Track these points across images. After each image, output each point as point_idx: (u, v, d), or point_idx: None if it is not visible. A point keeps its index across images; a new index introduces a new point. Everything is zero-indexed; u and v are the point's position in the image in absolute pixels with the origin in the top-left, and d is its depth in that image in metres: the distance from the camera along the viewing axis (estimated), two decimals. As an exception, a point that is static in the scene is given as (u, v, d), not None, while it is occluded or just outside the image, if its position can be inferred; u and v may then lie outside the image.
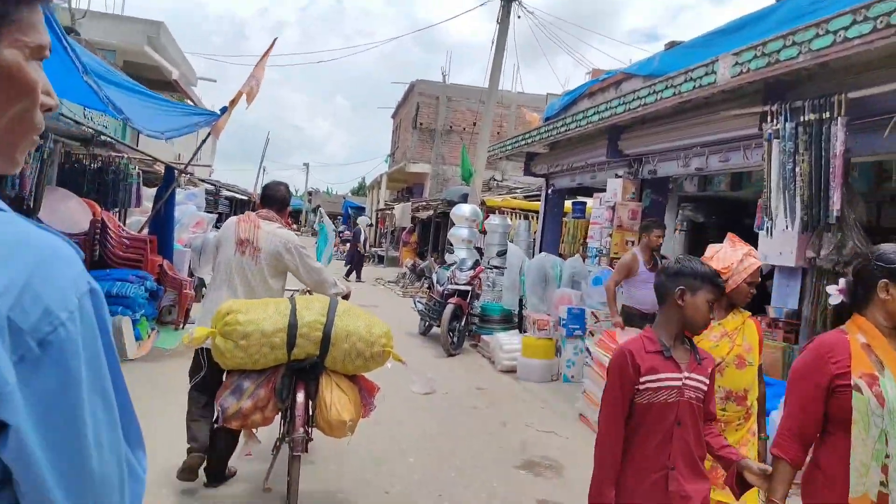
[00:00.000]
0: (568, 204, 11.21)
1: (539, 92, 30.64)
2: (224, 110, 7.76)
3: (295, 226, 43.85)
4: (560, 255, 9.98)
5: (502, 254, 8.74)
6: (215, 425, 3.45)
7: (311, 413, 3.35)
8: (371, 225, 32.45)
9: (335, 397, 3.30)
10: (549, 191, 10.61)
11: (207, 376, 3.61)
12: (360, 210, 38.19)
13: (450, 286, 8.49)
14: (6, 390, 0.57)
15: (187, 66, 15.63)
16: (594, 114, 7.51)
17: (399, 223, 22.99)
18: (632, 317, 5.88)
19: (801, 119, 4.86)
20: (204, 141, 8.46)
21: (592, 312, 7.22)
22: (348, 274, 17.23)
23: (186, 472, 3.57)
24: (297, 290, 3.96)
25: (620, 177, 8.02)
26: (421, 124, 27.86)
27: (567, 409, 6.07)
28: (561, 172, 10.21)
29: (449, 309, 8.13)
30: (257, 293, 3.67)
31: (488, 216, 11.94)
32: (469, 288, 8.41)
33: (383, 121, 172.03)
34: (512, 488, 4.22)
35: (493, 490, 4.16)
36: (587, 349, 5.80)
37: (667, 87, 6.00)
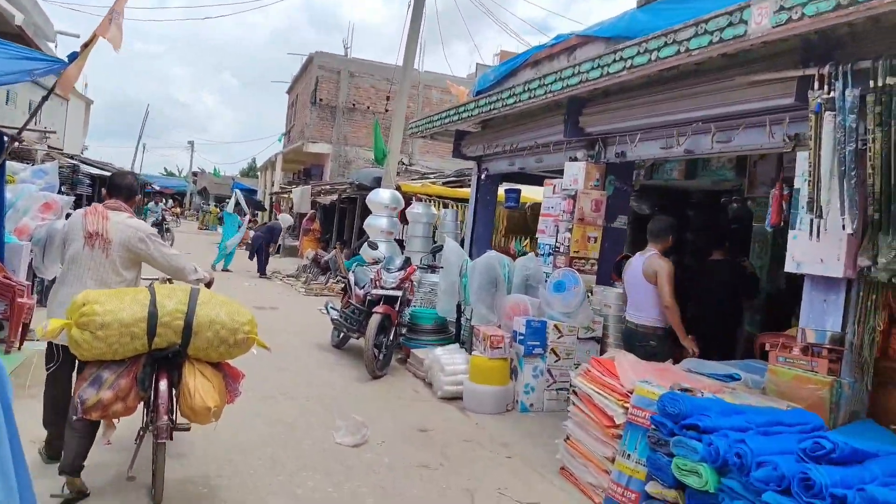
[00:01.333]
0: (500, 192, 9.84)
1: (443, 72, 29.27)
2: (74, 56, 5.74)
3: (179, 209, 40.29)
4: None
5: (437, 251, 7.23)
6: (74, 418, 3.30)
7: (174, 401, 3.40)
8: (264, 209, 29.96)
9: (199, 384, 3.33)
10: (483, 176, 9.19)
11: (64, 369, 3.60)
12: (252, 193, 35.36)
13: (374, 290, 6.90)
14: None
15: (40, 14, 12.91)
16: (555, 81, 6.10)
17: (298, 208, 20.93)
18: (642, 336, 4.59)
19: (875, 84, 3.66)
20: (45, 98, 6.34)
21: (555, 325, 5.88)
22: (260, 267, 15.12)
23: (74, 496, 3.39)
24: (157, 279, 3.90)
25: (579, 160, 6.72)
26: (321, 100, 25.75)
27: (542, 459, 4.68)
28: (497, 155, 8.82)
29: (375, 320, 6.54)
30: (111, 286, 3.59)
31: (410, 204, 10.38)
32: (399, 293, 6.86)
33: (276, 99, 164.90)
34: None
35: None
36: (572, 386, 4.42)
37: (666, 46, 4.67)
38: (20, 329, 6.25)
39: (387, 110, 26.56)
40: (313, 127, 25.80)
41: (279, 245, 15.48)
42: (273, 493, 3.75)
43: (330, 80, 25.95)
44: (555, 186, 7.00)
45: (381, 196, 9.70)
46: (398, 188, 13.21)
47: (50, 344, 3.62)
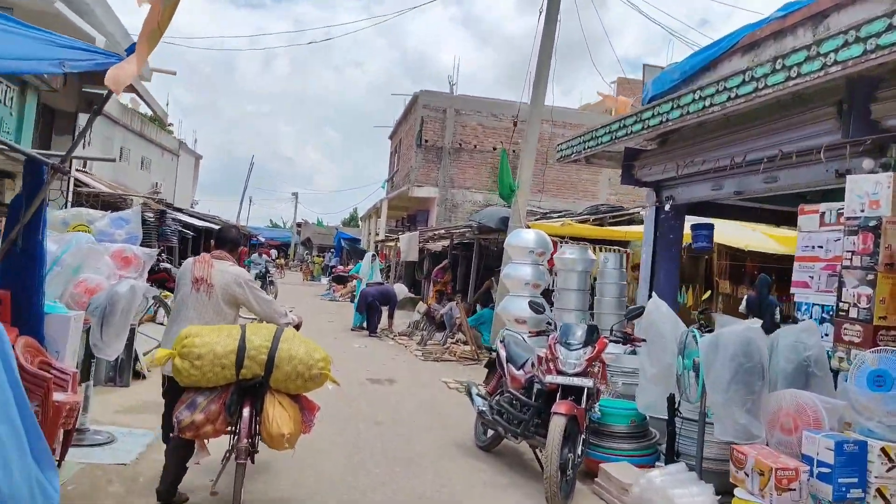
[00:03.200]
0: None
1: (563, 105, 27.20)
2: (132, 50, 4.03)
3: (283, 259, 40.02)
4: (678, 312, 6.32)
5: (635, 315, 4.92)
6: (170, 435, 3.83)
7: (255, 427, 3.76)
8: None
9: (276, 413, 3.70)
10: (667, 207, 6.85)
11: (170, 396, 3.97)
12: (355, 242, 34.41)
13: (550, 377, 4.67)
14: None
15: (123, 35, 11.88)
16: (814, 57, 3.80)
17: (405, 257, 19.18)
18: None
19: None
20: (97, 111, 4.69)
21: (883, 448, 3.42)
22: (371, 327, 13.36)
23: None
24: (252, 319, 4.35)
25: (865, 170, 4.31)
26: (426, 141, 24.25)
27: None
28: (690, 177, 6.49)
29: (559, 426, 4.29)
30: (212, 325, 3.94)
31: (556, 248, 8.17)
32: (588, 382, 4.59)
33: (376, 150, 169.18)
34: None
35: None
36: None
37: None
38: (62, 436, 4.45)
39: (494, 149, 24.76)
40: (418, 170, 24.28)
41: (392, 312, 13.68)
42: None
43: (435, 120, 24.46)
44: (822, 214, 4.60)
45: (524, 238, 7.56)
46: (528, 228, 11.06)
47: (164, 377, 4.06)
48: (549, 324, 5.19)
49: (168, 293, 12.36)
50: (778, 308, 10.91)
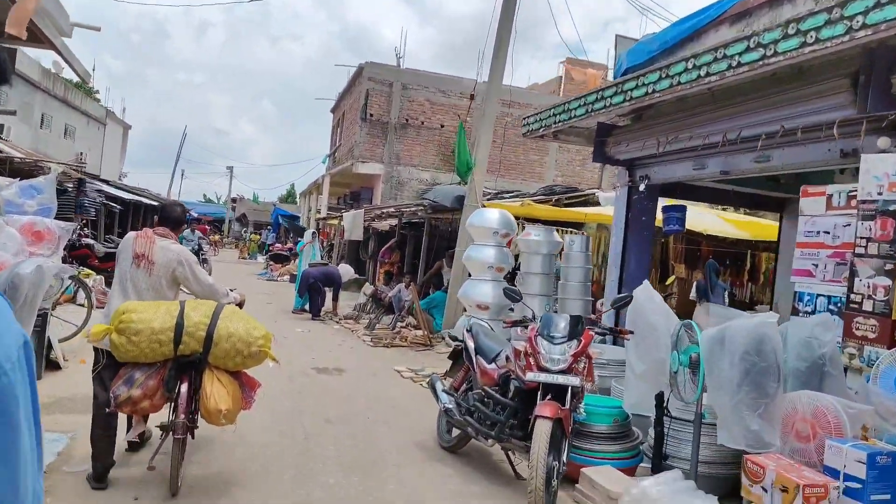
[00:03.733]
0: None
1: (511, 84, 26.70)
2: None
3: (217, 236, 38.36)
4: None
5: (622, 304, 4.45)
6: (106, 410, 3.75)
7: (194, 403, 3.78)
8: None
9: (215, 389, 3.70)
10: (642, 187, 6.41)
11: (107, 370, 3.88)
12: (294, 219, 33.23)
13: (532, 375, 4.14)
14: None
15: (53, 3, 10.66)
16: (836, 21, 3.36)
17: (349, 235, 18.38)
18: None
19: None
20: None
21: (915, 459, 3.04)
22: (313, 309, 12.56)
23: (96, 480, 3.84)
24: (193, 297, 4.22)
25: (881, 149, 3.93)
26: (371, 116, 23.36)
27: None
28: (669, 156, 6.07)
29: (544, 431, 3.76)
30: (151, 300, 3.94)
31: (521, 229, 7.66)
32: (574, 381, 4.08)
33: (315, 124, 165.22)
34: None
35: None
36: None
37: None
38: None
39: (442, 126, 24.12)
40: (363, 145, 23.41)
41: (337, 294, 12.90)
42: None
43: (381, 94, 23.58)
44: (829, 197, 4.21)
45: (488, 218, 7.00)
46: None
47: (96, 349, 3.98)
48: (528, 317, 4.65)
49: (90, 271, 11.28)
50: (726, 292, 10.82)
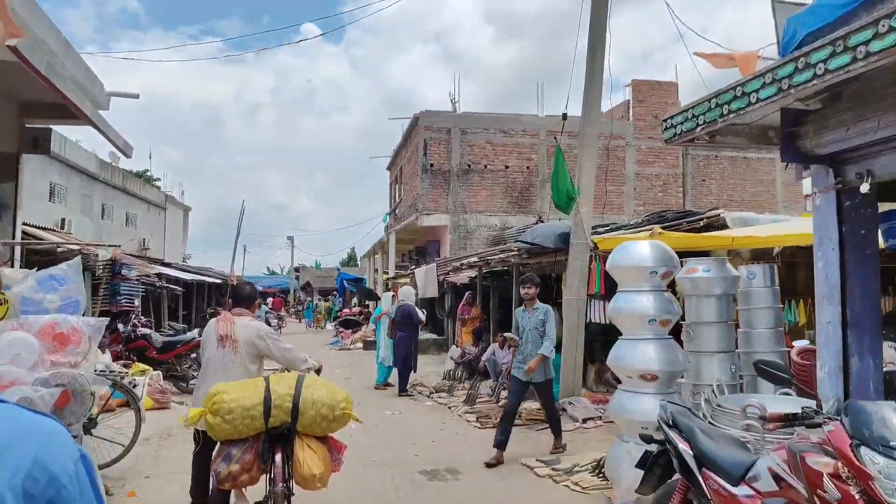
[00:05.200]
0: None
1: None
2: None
3: (283, 310, 37.53)
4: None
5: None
6: (211, 488, 4.05)
7: (288, 471, 3.93)
8: (378, 298, 26.22)
9: (307, 455, 3.87)
10: (865, 188, 4.52)
11: (203, 450, 4.27)
12: (360, 281, 31.97)
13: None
14: None
15: (85, 73, 9.71)
16: None
17: (423, 293, 16.78)
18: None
19: None
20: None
21: None
22: (402, 384, 10.90)
23: None
24: (276, 370, 4.57)
25: None
26: (432, 165, 22.06)
27: None
28: (891, 143, 4.20)
29: None
30: (239, 378, 4.21)
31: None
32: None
33: (369, 188, 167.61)
34: None
35: None
36: None
37: None
38: None
39: (506, 167, 22.62)
40: (426, 197, 22.05)
41: (416, 345, 11.14)
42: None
43: (439, 142, 22.33)
44: None
45: (638, 254, 5.18)
46: (595, 247, 8.74)
47: (195, 430, 4.34)
48: (810, 410, 2.80)
49: (146, 367, 9.95)
50: None
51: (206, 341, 4.52)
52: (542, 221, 16.83)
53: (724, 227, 9.41)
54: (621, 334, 10.32)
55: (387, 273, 24.95)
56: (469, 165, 22.34)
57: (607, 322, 8.79)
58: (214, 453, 3.99)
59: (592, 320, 8.71)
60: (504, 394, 9.63)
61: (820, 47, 4.00)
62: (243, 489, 4.19)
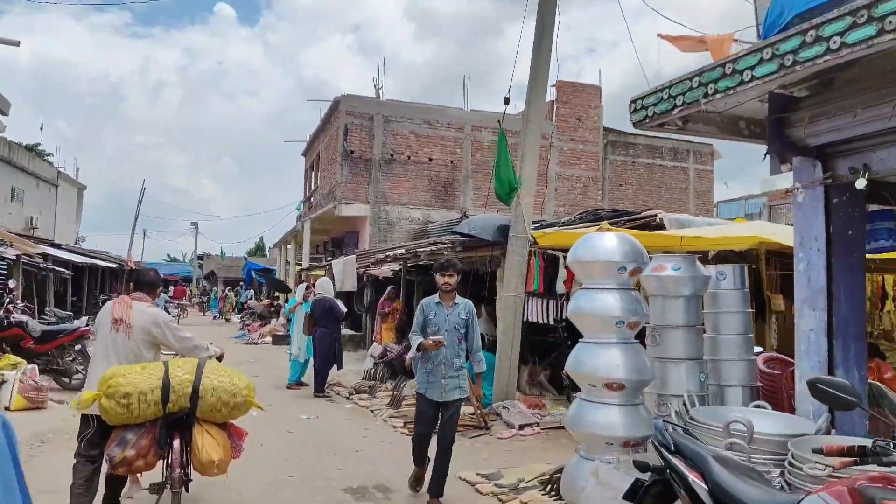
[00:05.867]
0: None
1: (492, 109, 24.68)
2: None
3: (186, 299, 35.29)
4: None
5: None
6: (104, 473, 4.06)
7: (186, 457, 3.93)
8: (288, 290, 24.91)
9: (205, 441, 3.88)
10: (861, 184, 4.13)
11: (97, 435, 4.07)
12: (269, 272, 30.45)
13: None
14: None
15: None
16: None
17: (341, 286, 15.83)
18: None
19: None
20: None
21: None
22: (319, 384, 9.93)
23: None
24: (174, 356, 4.43)
25: None
26: (352, 152, 21.06)
27: None
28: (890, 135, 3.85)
29: None
30: (132, 363, 4.11)
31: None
32: None
33: (280, 175, 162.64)
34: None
35: None
36: None
37: None
38: None
39: (430, 159, 21.96)
40: (345, 185, 21.03)
41: (339, 342, 10.25)
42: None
43: (361, 129, 21.36)
44: None
45: (604, 248, 4.61)
46: (533, 241, 8.22)
47: (84, 415, 4.14)
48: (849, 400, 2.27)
49: (18, 359, 8.57)
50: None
51: (100, 323, 4.42)
52: (467, 217, 16.29)
53: (660, 227, 9.13)
54: (552, 333, 9.85)
55: (300, 264, 23.74)
56: (392, 155, 21.51)
57: (545, 321, 8.29)
58: (108, 438, 3.93)
59: (529, 319, 8.18)
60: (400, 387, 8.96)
61: (835, 18, 3.55)
62: (138, 475, 4.14)
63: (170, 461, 3.88)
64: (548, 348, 9.54)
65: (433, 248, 9.65)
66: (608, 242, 4.70)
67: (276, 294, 26.19)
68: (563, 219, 11.87)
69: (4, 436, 0.87)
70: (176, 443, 3.86)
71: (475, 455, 6.55)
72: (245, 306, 27.38)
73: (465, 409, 7.85)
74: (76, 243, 31.64)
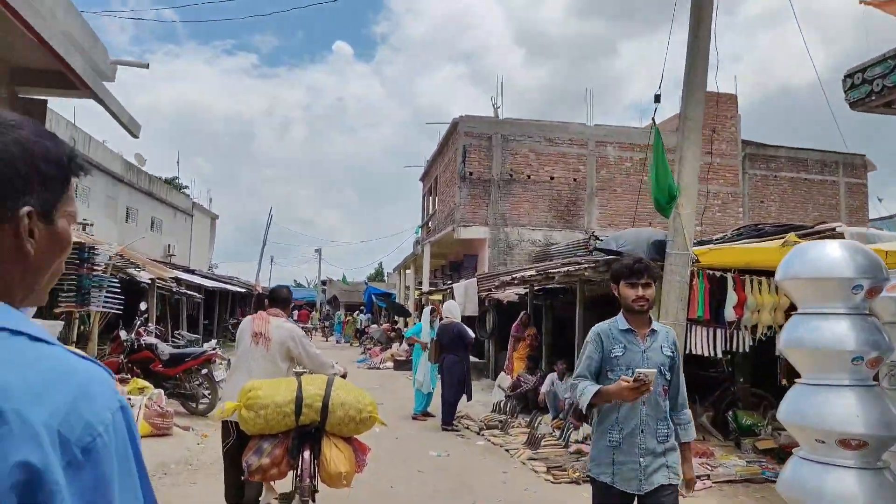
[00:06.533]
0: None
1: (617, 124, 23.35)
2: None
3: (309, 323, 36.12)
4: None
5: None
6: (242, 478, 4.26)
7: (315, 468, 4.13)
8: (409, 315, 24.63)
9: (333, 454, 4.06)
10: None
11: (236, 443, 4.38)
12: (389, 296, 30.43)
13: None
14: (57, 489, 0.71)
15: (94, 45, 8.36)
16: None
17: (463, 311, 15.14)
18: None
19: None
20: None
21: None
22: (447, 416, 9.24)
23: None
24: (305, 371, 4.49)
25: None
26: (471, 174, 20.52)
27: None
28: None
29: None
30: (269, 375, 4.40)
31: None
32: None
33: (399, 202, 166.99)
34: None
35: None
36: None
37: None
38: None
39: (551, 178, 20.98)
40: (464, 207, 20.48)
41: (468, 370, 9.47)
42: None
43: (480, 149, 20.80)
44: None
45: (830, 259, 3.54)
46: (696, 261, 7.08)
47: (225, 423, 4.51)
48: None
49: (146, 384, 8.43)
50: None
51: (240, 337, 4.74)
52: (597, 238, 15.15)
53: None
54: (714, 368, 8.52)
55: (420, 288, 23.38)
56: (511, 175, 20.76)
57: (712, 354, 7.11)
58: (246, 447, 4.16)
59: (692, 351, 7.01)
60: (574, 435, 7.94)
61: None
62: (272, 482, 4.36)
63: (300, 471, 4.08)
64: (710, 385, 8.28)
65: (569, 268, 8.70)
66: (835, 253, 3.60)
67: (396, 318, 25.95)
68: (715, 237, 10.53)
69: (124, 420, 0.76)
70: (306, 454, 4.08)
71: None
72: (365, 331, 27.39)
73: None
74: (209, 269, 33.18)
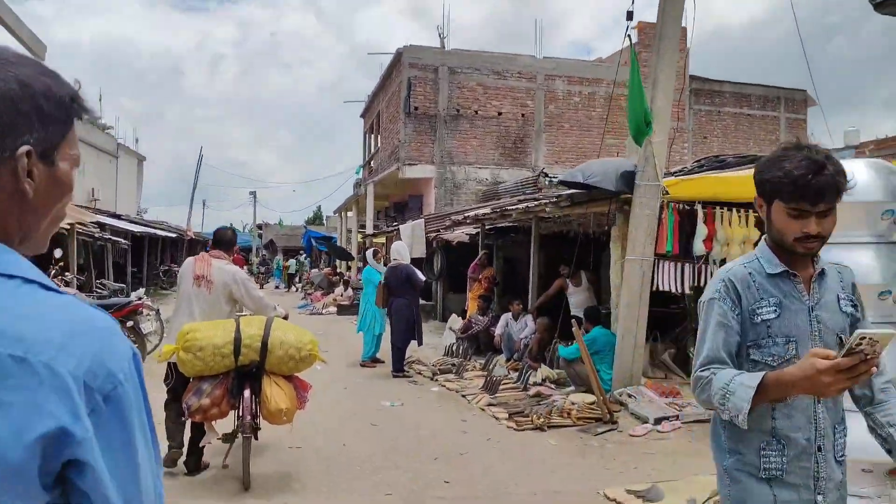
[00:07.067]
0: None
1: (567, 56, 22.63)
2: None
3: (247, 267, 34.89)
4: None
5: None
6: (182, 419, 4.42)
7: (256, 406, 4.24)
8: (352, 258, 23.85)
9: (274, 392, 4.15)
10: None
11: (177, 383, 4.49)
12: (330, 240, 29.50)
13: None
14: (87, 436, 0.73)
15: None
16: None
17: (409, 253, 14.51)
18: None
19: None
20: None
21: None
22: (397, 362, 8.69)
23: (168, 463, 4.47)
24: (246, 314, 4.79)
25: None
26: (416, 109, 19.57)
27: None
28: None
29: None
30: (211, 317, 4.44)
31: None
32: None
33: (337, 142, 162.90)
34: None
35: None
36: None
37: None
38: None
39: (500, 113, 20.26)
40: (408, 145, 19.61)
41: (419, 314, 8.92)
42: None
43: (425, 83, 19.80)
44: None
45: (858, 180, 3.08)
46: (667, 191, 6.61)
47: (168, 365, 4.55)
48: None
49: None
50: None
51: (181, 279, 4.76)
52: (546, 175, 14.65)
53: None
54: (675, 304, 8.21)
55: (363, 231, 22.60)
56: (458, 110, 19.92)
57: (679, 290, 6.74)
58: (185, 388, 4.23)
59: (660, 287, 6.62)
60: (532, 377, 7.55)
61: None
62: (213, 422, 4.35)
63: (241, 411, 4.17)
64: (671, 322, 7.98)
65: (528, 204, 8.15)
66: (859, 174, 3.12)
67: (336, 262, 25.17)
68: (674, 170, 10.15)
69: (136, 368, 0.80)
70: (247, 393, 4.15)
71: (609, 460, 5.13)
72: (306, 276, 26.54)
73: (585, 398, 6.44)
74: (138, 214, 31.42)
